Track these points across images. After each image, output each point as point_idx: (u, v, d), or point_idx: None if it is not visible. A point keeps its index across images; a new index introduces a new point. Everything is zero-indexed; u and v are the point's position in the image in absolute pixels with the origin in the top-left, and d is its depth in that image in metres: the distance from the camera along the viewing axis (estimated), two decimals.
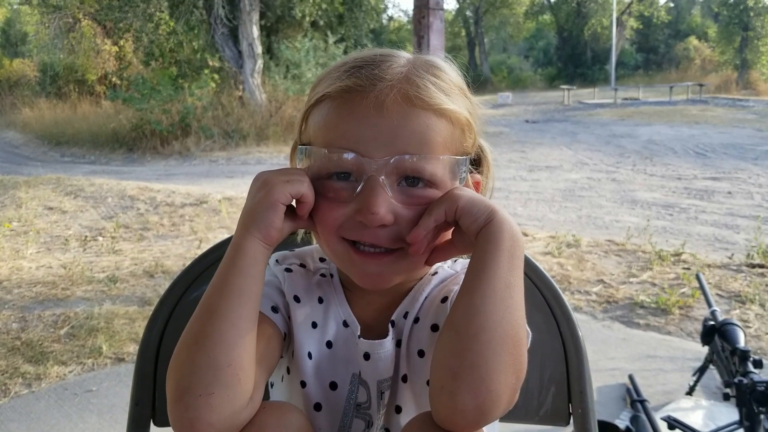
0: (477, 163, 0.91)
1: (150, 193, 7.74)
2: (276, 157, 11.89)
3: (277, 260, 0.94)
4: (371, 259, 0.82)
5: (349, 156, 0.78)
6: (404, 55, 0.85)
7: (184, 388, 0.71)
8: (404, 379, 0.88)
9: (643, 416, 2.43)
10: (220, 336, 0.73)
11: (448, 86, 0.83)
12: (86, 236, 5.82)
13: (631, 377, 2.76)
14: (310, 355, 0.88)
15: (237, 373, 0.72)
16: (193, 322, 0.75)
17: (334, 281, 0.93)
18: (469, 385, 0.69)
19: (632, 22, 31.93)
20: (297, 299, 0.89)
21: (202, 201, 7.20)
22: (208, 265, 1.10)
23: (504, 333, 0.71)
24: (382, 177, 0.78)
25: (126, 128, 14.11)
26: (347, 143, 0.79)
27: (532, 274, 1.12)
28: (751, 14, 26.27)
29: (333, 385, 0.89)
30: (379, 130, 0.78)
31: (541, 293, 1.10)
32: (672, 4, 37.03)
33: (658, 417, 2.37)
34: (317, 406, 0.89)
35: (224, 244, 1.11)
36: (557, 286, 1.12)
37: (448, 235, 0.84)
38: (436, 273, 0.93)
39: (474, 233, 0.78)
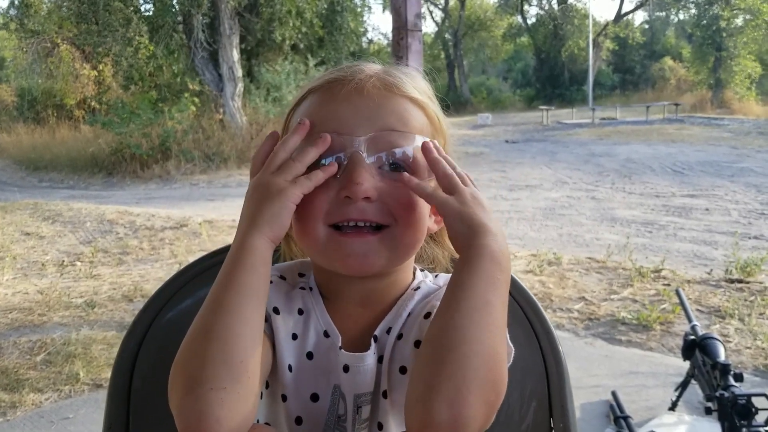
0: None
1: (129, 217, 7.67)
2: None
3: None
4: (356, 237, 0.83)
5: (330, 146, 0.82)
6: (380, 65, 0.93)
7: (196, 380, 0.70)
8: (384, 395, 0.87)
9: None
10: (231, 331, 0.72)
11: (420, 87, 0.90)
12: (64, 261, 5.74)
13: (614, 394, 2.75)
14: (290, 368, 0.87)
15: (248, 369, 0.72)
16: (201, 316, 0.75)
17: (314, 293, 0.92)
18: (444, 396, 0.68)
19: (608, 44, 32.41)
20: (276, 311, 0.88)
21: (182, 224, 7.14)
22: (182, 285, 1.08)
23: (482, 348, 0.71)
24: (365, 153, 0.81)
25: (105, 152, 14.00)
26: (330, 124, 0.83)
27: (512, 289, 1.10)
28: (724, 35, 26.77)
29: (314, 397, 0.88)
30: (361, 109, 0.84)
31: (521, 308, 1.10)
32: (647, 26, 37.71)
33: None
34: (298, 420, 0.88)
35: (197, 264, 1.09)
36: (537, 302, 1.11)
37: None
38: (418, 288, 0.93)
39: (458, 247, 0.80)
